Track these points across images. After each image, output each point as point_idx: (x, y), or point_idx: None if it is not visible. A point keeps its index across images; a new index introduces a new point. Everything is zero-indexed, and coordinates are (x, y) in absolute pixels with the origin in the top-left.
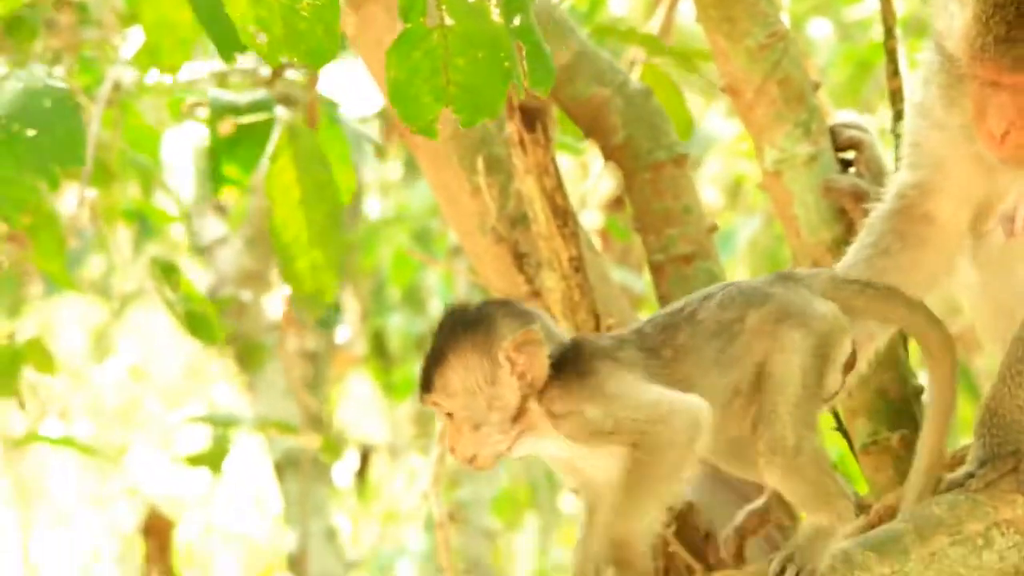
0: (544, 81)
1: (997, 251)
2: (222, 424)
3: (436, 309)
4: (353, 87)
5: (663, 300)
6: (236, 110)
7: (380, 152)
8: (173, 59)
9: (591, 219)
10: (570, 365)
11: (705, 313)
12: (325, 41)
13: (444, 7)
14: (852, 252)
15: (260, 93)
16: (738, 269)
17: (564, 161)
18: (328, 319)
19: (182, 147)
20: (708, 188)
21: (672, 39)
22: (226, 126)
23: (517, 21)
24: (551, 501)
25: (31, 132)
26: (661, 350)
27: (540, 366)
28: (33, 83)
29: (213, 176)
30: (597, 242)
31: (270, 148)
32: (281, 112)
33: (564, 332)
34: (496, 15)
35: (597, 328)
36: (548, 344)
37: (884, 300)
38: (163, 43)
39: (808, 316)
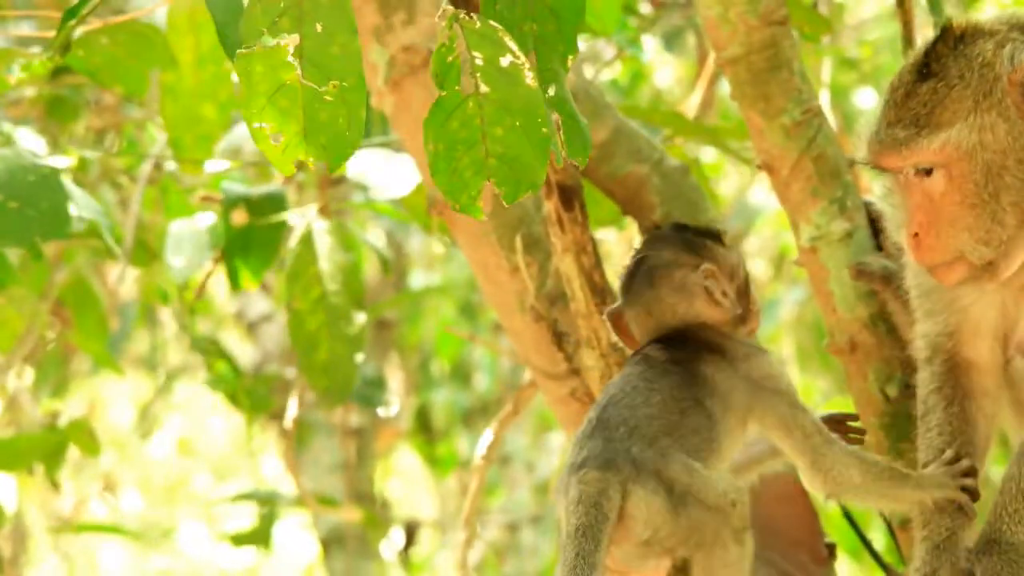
0: (582, 151)
1: (1020, 374)
2: (266, 501)
3: (481, 383)
4: (387, 168)
5: None
6: (248, 202)
7: (425, 224)
8: (196, 153)
9: None
10: None
11: None
12: (347, 132)
13: (479, 74)
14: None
15: (274, 185)
16: (783, 339)
17: (609, 235)
18: (371, 396)
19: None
20: (754, 260)
21: (715, 113)
22: (239, 216)
23: (552, 91)
24: None
25: (14, 204)
26: None
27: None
28: (18, 159)
29: (229, 273)
30: None
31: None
32: (295, 217)
33: None
34: (530, 79)
35: None
36: None
37: None
38: (185, 138)
39: None
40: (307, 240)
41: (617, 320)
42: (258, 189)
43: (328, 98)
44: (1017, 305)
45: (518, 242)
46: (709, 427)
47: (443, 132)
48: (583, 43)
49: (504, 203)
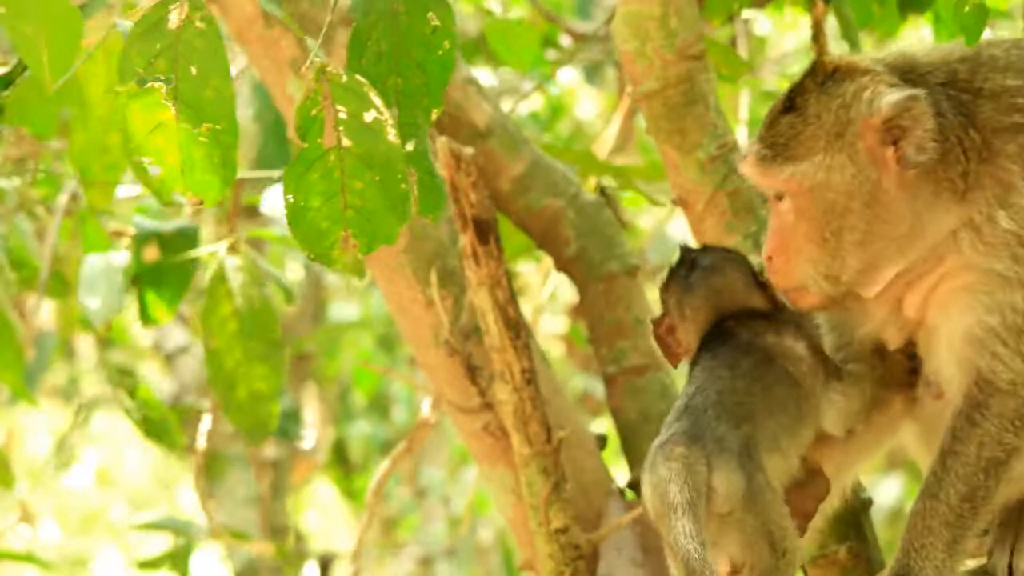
0: (434, 208)
1: (928, 410)
2: (178, 532)
3: (400, 416)
4: None
5: (615, 413)
6: (160, 237)
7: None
8: (105, 177)
9: (554, 325)
10: None
11: None
12: (222, 170)
13: (342, 128)
14: None
15: (185, 221)
16: None
17: (527, 268)
18: (286, 429)
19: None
20: None
21: (633, 146)
22: (151, 252)
23: (410, 146)
24: None
25: None
26: None
27: None
28: None
29: (140, 308)
30: (561, 348)
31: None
32: (207, 249)
33: None
34: (392, 136)
35: (548, 441)
36: None
37: None
38: (93, 167)
39: None
40: (219, 276)
41: (662, 325)
42: (169, 224)
43: (202, 139)
44: (925, 341)
45: (433, 276)
46: (796, 395)
47: (302, 183)
48: (497, 76)
49: (359, 254)
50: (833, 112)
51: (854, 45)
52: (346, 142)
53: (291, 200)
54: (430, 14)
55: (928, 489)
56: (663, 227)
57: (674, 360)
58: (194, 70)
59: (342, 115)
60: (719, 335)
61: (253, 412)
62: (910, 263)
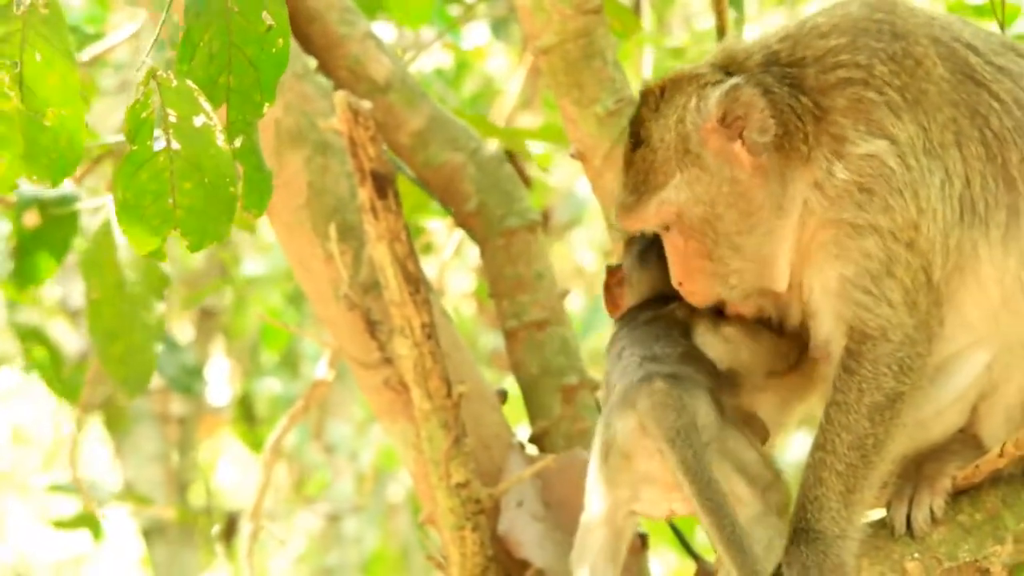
0: (258, 204)
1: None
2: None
3: (310, 372)
4: None
5: (516, 367)
6: (41, 204)
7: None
8: None
9: (463, 282)
10: None
11: None
12: (68, 153)
13: (171, 131)
14: None
15: (67, 187)
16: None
17: (435, 225)
18: (189, 384)
19: None
20: (582, 251)
21: (539, 100)
22: (31, 218)
23: (239, 143)
24: (423, 564)
25: None
26: None
27: None
28: None
29: (19, 270)
30: (472, 305)
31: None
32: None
33: None
34: (221, 140)
35: (449, 396)
36: None
37: None
38: None
39: None
40: (105, 230)
41: (615, 276)
42: (52, 191)
43: (47, 123)
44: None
45: (332, 230)
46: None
47: (132, 182)
48: (401, 31)
49: (189, 252)
50: (673, 130)
51: (739, 12)
52: (176, 145)
53: (121, 198)
54: (264, 13)
55: (816, 441)
56: (571, 183)
57: (613, 311)
58: (39, 56)
59: (172, 119)
60: (656, 304)
61: (130, 364)
62: (789, 240)
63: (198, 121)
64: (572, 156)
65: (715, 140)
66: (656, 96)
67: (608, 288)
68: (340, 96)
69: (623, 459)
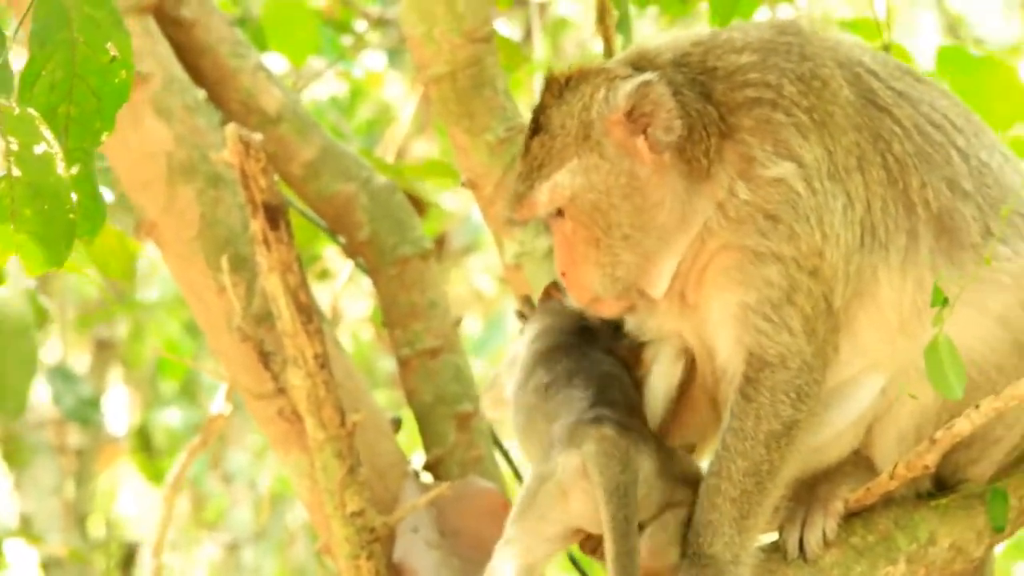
0: (92, 230)
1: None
2: None
3: (210, 401)
4: None
5: (410, 395)
6: None
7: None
8: None
9: (359, 308)
10: None
11: None
12: None
13: (12, 158)
14: None
15: None
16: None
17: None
18: (86, 415)
19: None
20: (479, 276)
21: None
22: None
23: (75, 170)
24: None
25: None
26: None
27: None
28: None
29: None
30: (369, 331)
31: None
32: None
33: None
34: (60, 168)
35: (343, 425)
36: None
37: None
38: None
39: None
40: None
41: (555, 289)
42: None
43: None
44: (703, 324)
45: (225, 262)
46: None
47: None
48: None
49: (27, 274)
50: (576, 118)
51: (626, 32)
52: (16, 172)
53: None
54: (109, 44)
55: (712, 467)
56: (467, 209)
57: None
58: None
59: (14, 146)
60: (586, 333)
61: (4, 394)
62: (683, 253)
63: (39, 149)
64: (463, 185)
65: (619, 132)
66: (560, 84)
67: (547, 293)
68: (231, 129)
69: (559, 496)
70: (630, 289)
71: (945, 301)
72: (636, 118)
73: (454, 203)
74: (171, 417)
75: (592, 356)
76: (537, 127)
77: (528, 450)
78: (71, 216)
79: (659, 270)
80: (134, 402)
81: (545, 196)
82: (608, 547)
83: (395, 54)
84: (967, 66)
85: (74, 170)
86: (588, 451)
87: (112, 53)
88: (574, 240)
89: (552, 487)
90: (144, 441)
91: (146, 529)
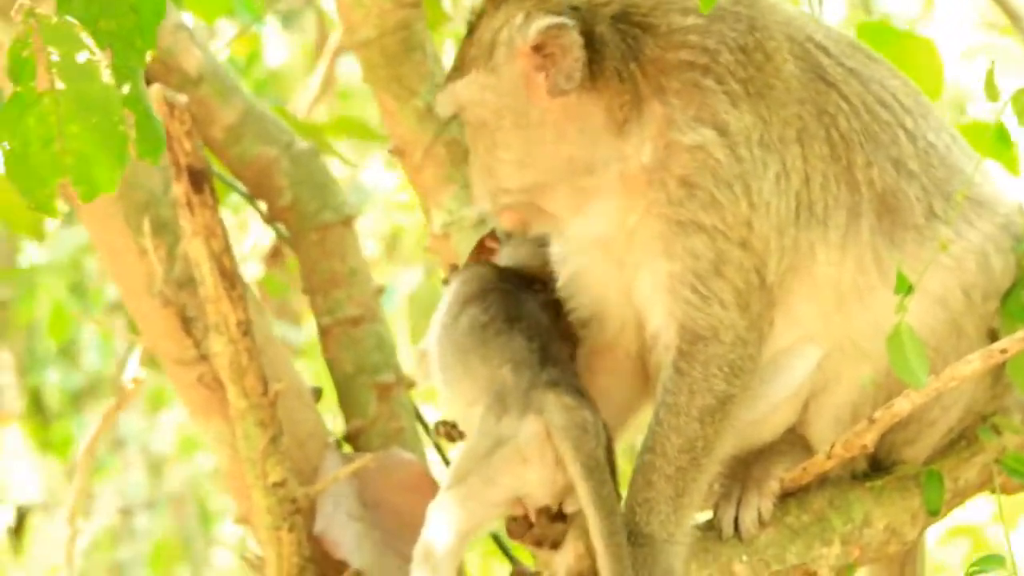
0: (153, 151)
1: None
2: None
3: (91, 363)
4: None
5: (331, 364)
6: None
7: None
8: None
9: (250, 271)
10: None
11: None
12: None
13: (55, 70)
14: None
15: None
16: (398, 323)
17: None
18: None
19: None
20: (367, 240)
21: (333, 94)
22: None
23: (126, 89)
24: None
25: None
26: None
27: None
28: None
29: None
30: (256, 294)
31: None
32: None
33: None
34: (107, 77)
35: (265, 394)
36: None
37: None
38: None
39: None
40: None
41: (492, 239)
42: None
43: None
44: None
45: (146, 225)
46: None
47: (19, 129)
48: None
49: (81, 202)
50: (492, 33)
51: None
52: (60, 85)
53: (8, 148)
54: None
55: (646, 443)
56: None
57: (474, 260)
58: None
59: (55, 57)
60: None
61: None
62: (596, 194)
63: (81, 57)
64: (391, 152)
65: (522, 63)
66: None
67: (480, 245)
68: (156, 89)
69: (517, 461)
70: (527, 205)
71: (910, 289)
72: (542, 55)
73: (343, 170)
74: (51, 378)
75: (529, 305)
76: (471, 28)
77: (456, 390)
78: (121, 128)
79: (559, 195)
80: (8, 364)
81: (447, 98)
82: (595, 526)
83: (290, 17)
84: (888, 41)
85: (125, 89)
86: (557, 423)
87: None
88: (472, 145)
89: (509, 452)
90: (36, 405)
91: (28, 491)
